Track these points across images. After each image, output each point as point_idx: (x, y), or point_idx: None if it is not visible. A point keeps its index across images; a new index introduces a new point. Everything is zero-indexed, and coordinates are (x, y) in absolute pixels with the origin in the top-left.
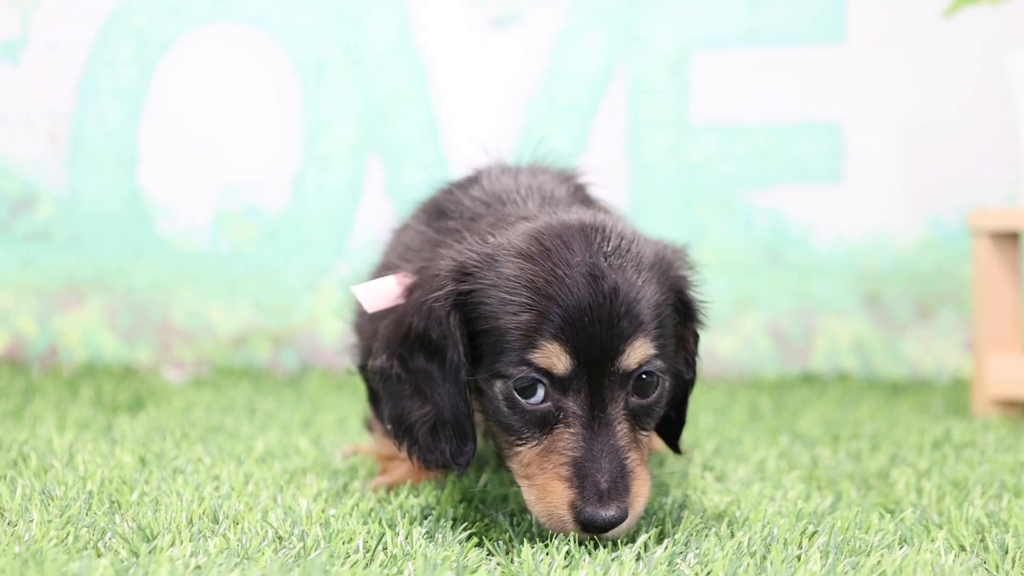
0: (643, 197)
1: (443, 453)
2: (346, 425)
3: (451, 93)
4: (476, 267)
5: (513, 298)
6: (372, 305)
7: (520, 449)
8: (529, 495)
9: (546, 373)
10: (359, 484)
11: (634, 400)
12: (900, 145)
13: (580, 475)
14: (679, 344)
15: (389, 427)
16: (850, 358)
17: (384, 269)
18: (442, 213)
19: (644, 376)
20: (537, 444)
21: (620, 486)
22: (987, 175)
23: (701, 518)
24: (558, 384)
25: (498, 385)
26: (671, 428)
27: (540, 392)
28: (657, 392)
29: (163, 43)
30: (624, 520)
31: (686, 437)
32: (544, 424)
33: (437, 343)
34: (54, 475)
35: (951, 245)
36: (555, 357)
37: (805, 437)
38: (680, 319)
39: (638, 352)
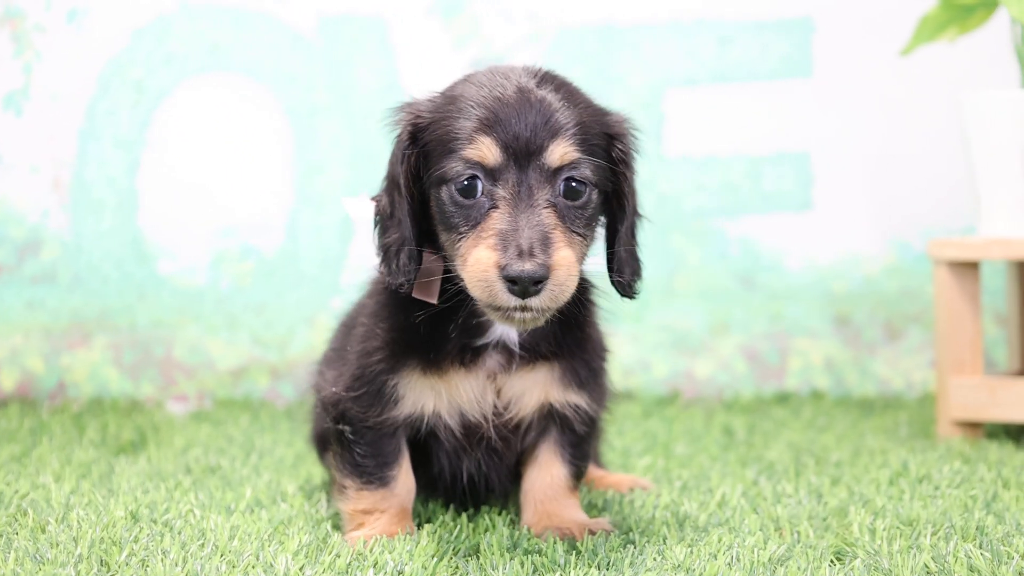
0: None
1: (406, 272)
2: None
3: None
4: (427, 105)
5: (454, 114)
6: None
7: (461, 242)
8: (465, 275)
9: (480, 166)
10: (339, 538)
11: (562, 200)
12: (866, 174)
13: (504, 241)
14: (615, 185)
15: (381, 265)
16: (822, 377)
17: None
18: None
19: (573, 182)
20: (472, 230)
21: (540, 248)
22: (950, 202)
23: (657, 573)
24: (490, 176)
25: (443, 191)
26: (623, 269)
27: (479, 190)
28: (584, 198)
29: (160, 92)
30: (546, 278)
31: (659, 465)
32: (480, 213)
33: (398, 175)
34: (48, 536)
35: (916, 268)
36: (486, 149)
37: (772, 468)
38: (615, 164)
39: (559, 151)
